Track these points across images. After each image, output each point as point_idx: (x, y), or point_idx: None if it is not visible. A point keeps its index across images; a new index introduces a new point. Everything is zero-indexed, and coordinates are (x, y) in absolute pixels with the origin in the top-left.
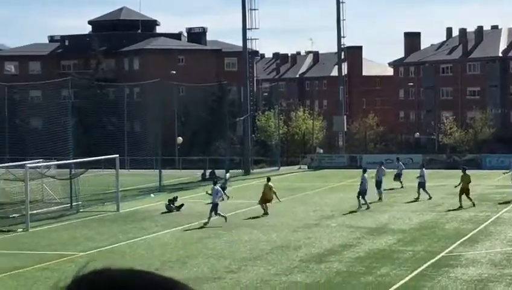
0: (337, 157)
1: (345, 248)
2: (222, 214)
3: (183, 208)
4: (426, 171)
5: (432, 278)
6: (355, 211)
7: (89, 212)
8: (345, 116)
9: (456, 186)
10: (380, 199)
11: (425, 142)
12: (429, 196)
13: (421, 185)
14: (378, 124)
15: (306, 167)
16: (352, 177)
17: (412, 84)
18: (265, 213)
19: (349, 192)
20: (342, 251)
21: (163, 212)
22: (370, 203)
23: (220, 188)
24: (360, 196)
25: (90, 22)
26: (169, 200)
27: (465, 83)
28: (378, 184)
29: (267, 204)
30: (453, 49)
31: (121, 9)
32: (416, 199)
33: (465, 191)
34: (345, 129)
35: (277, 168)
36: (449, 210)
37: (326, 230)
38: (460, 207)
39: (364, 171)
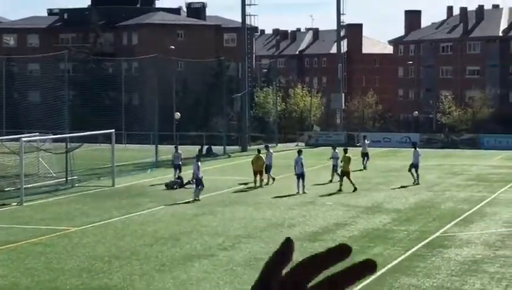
0: (334, 135)
1: (339, 226)
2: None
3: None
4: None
5: (426, 258)
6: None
7: (84, 187)
8: (343, 94)
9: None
10: None
11: (424, 121)
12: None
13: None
14: (377, 102)
15: (303, 144)
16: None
17: (411, 62)
18: (256, 186)
19: None
20: (336, 230)
21: (163, 189)
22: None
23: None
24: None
25: None
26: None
27: (464, 62)
28: None
29: (262, 178)
30: (454, 28)
31: None
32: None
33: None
34: (343, 107)
35: (274, 145)
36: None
37: (321, 208)
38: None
39: (300, 152)
